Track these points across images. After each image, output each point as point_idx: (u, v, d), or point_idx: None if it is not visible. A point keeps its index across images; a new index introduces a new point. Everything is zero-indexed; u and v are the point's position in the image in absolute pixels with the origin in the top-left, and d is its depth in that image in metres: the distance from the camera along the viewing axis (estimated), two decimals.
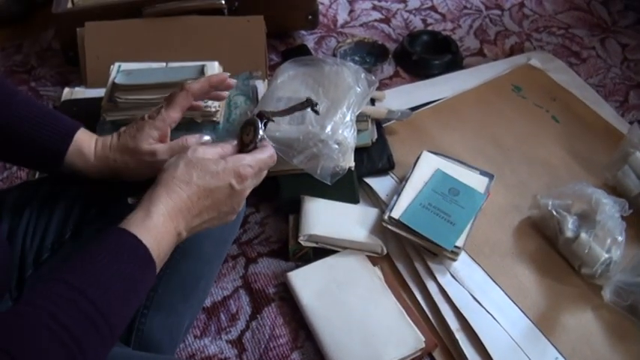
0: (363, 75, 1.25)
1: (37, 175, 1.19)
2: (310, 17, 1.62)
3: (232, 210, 0.78)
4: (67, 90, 1.40)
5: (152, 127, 0.85)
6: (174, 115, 0.86)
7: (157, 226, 0.68)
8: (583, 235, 1.05)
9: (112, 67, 1.24)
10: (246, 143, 0.81)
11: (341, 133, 1.12)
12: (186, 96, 0.88)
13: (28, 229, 0.86)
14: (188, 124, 1.13)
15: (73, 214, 0.88)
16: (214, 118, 1.16)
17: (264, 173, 0.81)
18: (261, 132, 0.82)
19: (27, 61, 1.70)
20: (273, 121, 0.86)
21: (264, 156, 0.79)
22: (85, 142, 0.84)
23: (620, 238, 1.04)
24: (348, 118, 1.15)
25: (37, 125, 0.82)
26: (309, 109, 0.91)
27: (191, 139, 0.86)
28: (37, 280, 0.83)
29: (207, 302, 1.08)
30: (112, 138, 0.86)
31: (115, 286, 0.63)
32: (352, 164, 1.15)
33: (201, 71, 1.19)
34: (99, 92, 1.27)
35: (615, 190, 1.21)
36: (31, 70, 1.66)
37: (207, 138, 0.88)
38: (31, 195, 0.90)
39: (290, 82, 1.27)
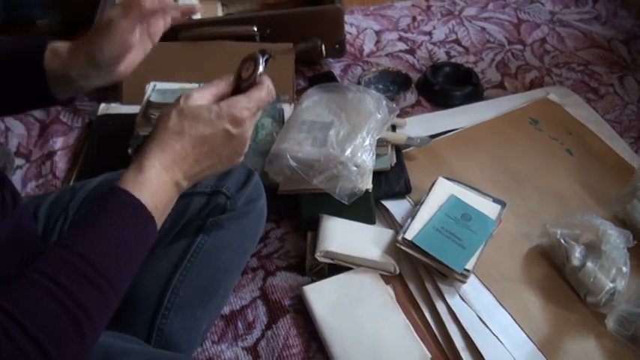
0: (384, 102, 1.31)
1: (71, 182, 1.26)
2: (337, 46, 1.69)
3: (235, 153, 0.76)
4: (103, 105, 1.49)
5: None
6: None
7: (150, 180, 0.68)
8: (589, 265, 1.09)
9: (147, 85, 1.32)
10: (244, 78, 0.78)
11: (360, 157, 1.18)
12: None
13: (62, 230, 0.93)
14: None
15: None
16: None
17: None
18: (261, 68, 0.78)
19: None
20: (274, 58, 0.81)
21: (261, 94, 0.76)
22: (60, 45, 0.83)
23: (624, 269, 1.08)
24: (367, 143, 1.21)
25: (11, 51, 0.82)
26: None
27: None
28: None
29: (226, 310, 1.14)
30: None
31: (113, 245, 0.64)
32: (370, 186, 1.21)
33: None
34: (133, 109, 1.35)
35: (624, 222, 1.24)
36: None
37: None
38: (65, 201, 0.97)
39: (314, 107, 1.33)
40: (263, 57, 0.79)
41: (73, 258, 0.60)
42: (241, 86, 0.77)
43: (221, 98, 0.75)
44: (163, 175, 0.70)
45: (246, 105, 0.74)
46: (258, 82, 0.77)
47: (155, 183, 0.68)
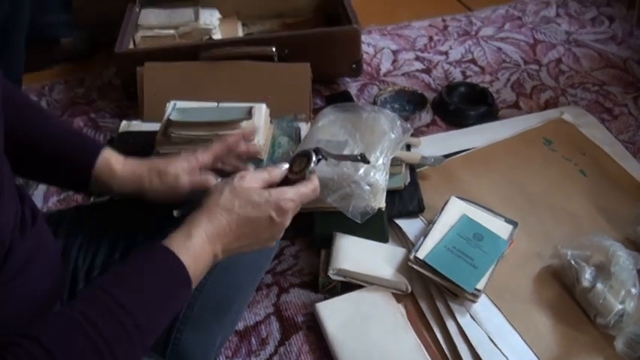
0: (398, 122, 1.33)
1: (91, 200, 1.30)
2: (354, 66, 1.72)
3: (272, 237, 0.84)
4: (124, 123, 1.52)
5: (184, 158, 0.94)
6: (204, 157, 0.96)
7: (195, 247, 0.75)
8: (599, 286, 1.10)
9: (167, 104, 1.35)
10: (295, 171, 0.88)
11: (373, 176, 1.20)
12: (221, 145, 0.97)
13: (82, 247, 0.96)
14: None
15: (122, 237, 0.97)
16: (259, 155, 1.23)
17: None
18: (312, 165, 0.87)
19: (88, 94, 1.84)
20: (326, 159, 0.92)
21: (307, 190, 0.85)
22: (113, 156, 0.93)
23: (634, 291, 1.08)
24: (380, 162, 1.23)
25: (69, 142, 0.91)
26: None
27: (212, 180, 0.94)
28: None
29: (240, 326, 1.16)
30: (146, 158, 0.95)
31: (152, 301, 0.69)
32: (383, 205, 1.22)
33: (249, 112, 1.29)
34: (154, 126, 1.38)
35: (636, 244, 1.25)
36: (91, 103, 1.80)
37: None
38: (86, 217, 1.00)
39: (330, 126, 1.36)
40: (317, 156, 0.89)
41: (116, 309, 0.65)
42: (291, 177, 0.87)
43: (271, 185, 0.84)
44: (207, 245, 0.77)
45: (292, 197, 0.82)
46: (307, 178, 0.86)
47: (199, 251, 0.75)
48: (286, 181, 0.88)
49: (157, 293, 0.71)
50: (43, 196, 1.46)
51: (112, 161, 0.93)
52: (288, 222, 0.84)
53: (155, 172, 0.93)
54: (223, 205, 0.79)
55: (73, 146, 0.92)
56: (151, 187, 0.93)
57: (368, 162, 1.06)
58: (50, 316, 0.66)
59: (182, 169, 0.94)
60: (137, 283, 0.70)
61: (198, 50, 1.59)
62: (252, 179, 0.82)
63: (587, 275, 1.13)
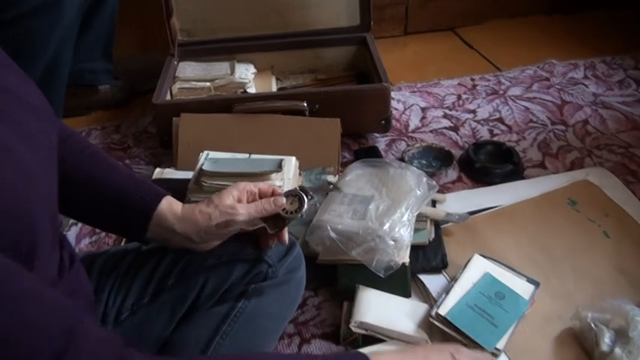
0: (424, 179, 1.37)
1: (122, 242, 1.34)
2: (383, 122, 1.77)
3: None
4: (158, 170, 1.58)
5: (234, 187, 0.99)
6: (249, 185, 1.01)
7: None
8: (617, 350, 1.10)
9: (201, 154, 1.40)
10: (288, 211, 0.98)
11: (397, 231, 1.23)
12: (267, 187, 1.02)
13: (112, 290, 0.99)
14: None
15: (152, 281, 1.01)
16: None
17: None
18: (305, 206, 0.99)
19: (124, 141, 1.91)
20: (314, 198, 1.05)
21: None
22: (175, 201, 0.99)
23: None
24: (405, 218, 1.26)
25: (132, 190, 0.96)
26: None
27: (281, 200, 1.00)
28: None
29: None
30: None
31: None
32: (407, 260, 1.25)
33: (280, 165, 1.33)
34: (187, 174, 1.43)
35: None
36: (127, 149, 1.87)
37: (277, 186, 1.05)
38: (118, 261, 1.05)
39: (357, 180, 1.40)
40: (307, 196, 1.00)
41: None
42: (282, 215, 0.98)
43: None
44: None
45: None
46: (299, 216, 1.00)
47: None
48: (279, 217, 0.99)
49: None
50: (75, 237, 1.51)
51: (173, 206, 0.98)
52: None
53: (213, 206, 0.96)
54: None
55: (138, 192, 0.97)
56: (208, 226, 0.96)
57: (337, 188, 1.16)
58: None
59: (234, 198, 0.98)
60: None
61: (232, 103, 1.66)
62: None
63: (606, 339, 1.13)
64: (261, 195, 1.02)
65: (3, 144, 0.67)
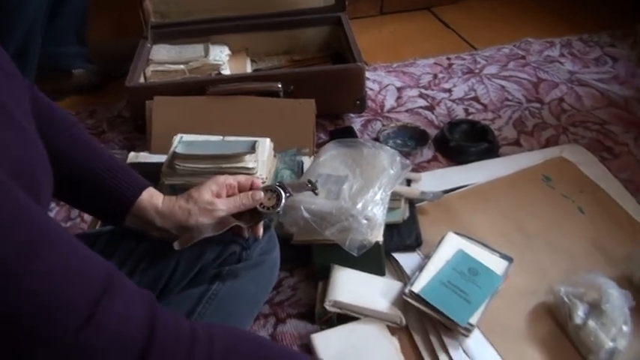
0: (398, 158, 1.37)
1: (97, 226, 1.33)
2: (358, 102, 1.76)
3: None
4: (132, 154, 1.56)
5: (213, 181, 0.99)
6: (228, 179, 1.01)
7: None
8: (590, 323, 1.11)
9: (174, 137, 1.39)
10: (267, 207, 0.99)
11: (370, 210, 1.23)
12: (247, 180, 1.02)
13: None
14: None
15: (125, 265, 1.00)
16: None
17: None
18: (283, 202, 1.00)
19: (98, 125, 1.89)
20: (292, 195, 1.04)
21: None
22: (156, 193, 0.98)
23: (625, 328, 1.09)
24: (378, 197, 1.26)
25: (112, 178, 0.95)
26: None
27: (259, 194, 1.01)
28: None
29: None
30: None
31: None
32: (380, 239, 1.25)
33: (253, 146, 1.33)
34: (161, 158, 1.42)
35: (631, 282, 1.26)
36: (101, 134, 1.85)
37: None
38: (91, 244, 1.03)
39: (331, 161, 1.40)
40: (285, 193, 1.01)
41: None
42: (260, 210, 0.99)
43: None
44: None
45: None
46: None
47: None
48: (255, 211, 1.00)
49: None
50: None
51: (154, 198, 0.97)
52: None
53: (192, 201, 0.97)
54: None
55: (119, 181, 0.96)
56: (188, 219, 0.96)
57: (315, 190, 1.15)
58: None
59: (213, 193, 0.98)
60: None
61: (206, 85, 1.64)
62: None
63: (580, 312, 1.14)
64: (240, 188, 1.02)
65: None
